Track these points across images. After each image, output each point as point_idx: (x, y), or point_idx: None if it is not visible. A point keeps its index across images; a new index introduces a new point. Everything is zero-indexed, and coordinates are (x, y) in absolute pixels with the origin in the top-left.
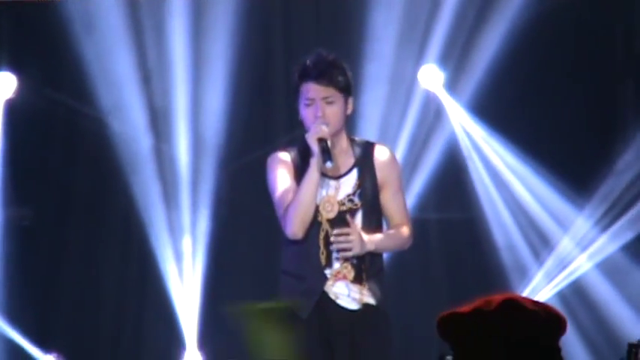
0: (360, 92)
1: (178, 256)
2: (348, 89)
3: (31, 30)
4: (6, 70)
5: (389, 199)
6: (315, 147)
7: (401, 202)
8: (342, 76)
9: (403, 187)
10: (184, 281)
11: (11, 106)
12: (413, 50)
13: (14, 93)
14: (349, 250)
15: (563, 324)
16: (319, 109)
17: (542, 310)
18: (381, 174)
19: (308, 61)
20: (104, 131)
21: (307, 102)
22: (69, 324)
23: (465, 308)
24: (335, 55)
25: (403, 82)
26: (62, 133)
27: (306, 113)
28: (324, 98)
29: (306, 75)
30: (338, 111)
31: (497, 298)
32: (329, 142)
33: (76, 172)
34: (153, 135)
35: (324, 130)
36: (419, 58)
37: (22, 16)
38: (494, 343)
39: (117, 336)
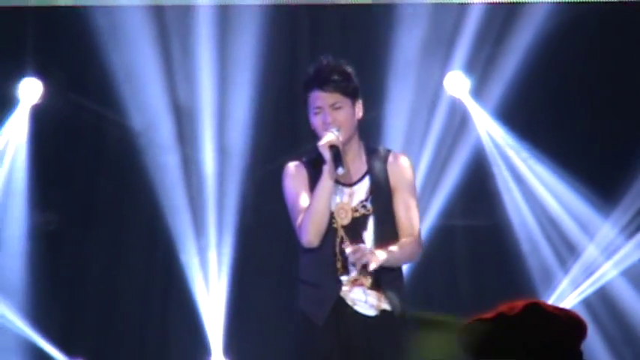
0: (386, 99)
1: (204, 262)
2: (355, 93)
3: (57, 36)
4: (32, 75)
5: (398, 205)
6: (326, 154)
7: (411, 209)
8: (347, 81)
9: (416, 195)
10: (210, 287)
11: (37, 112)
12: (439, 57)
13: (40, 99)
14: (369, 263)
15: (584, 328)
16: (328, 116)
17: (563, 314)
18: (393, 179)
19: (311, 70)
20: (129, 137)
21: (316, 110)
22: (94, 329)
23: (488, 314)
24: (339, 60)
25: (429, 89)
26: (87, 139)
27: (316, 122)
28: (332, 105)
29: (311, 84)
30: (347, 115)
31: (519, 303)
32: (340, 149)
33: (101, 177)
34: (178, 141)
35: (335, 137)
36: (445, 65)
37: (47, 22)
38: (516, 347)
39: (142, 342)
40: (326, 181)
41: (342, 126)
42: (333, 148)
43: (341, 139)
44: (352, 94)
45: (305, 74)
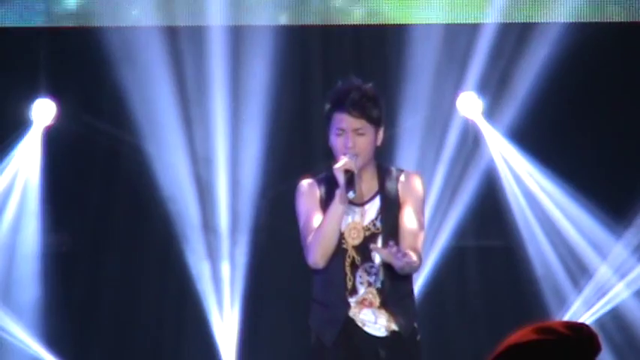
0: (399, 119)
1: (217, 283)
2: (380, 121)
3: (71, 57)
4: (45, 96)
5: (402, 218)
6: (340, 178)
7: (414, 223)
8: (375, 109)
9: (423, 211)
10: (223, 308)
11: (50, 133)
12: (452, 78)
13: (53, 120)
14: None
15: (596, 342)
16: (349, 140)
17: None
18: (403, 196)
19: (341, 90)
20: (143, 158)
21: (338, 132)
22: (107, 349)
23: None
24: (368, 85)
25: (442, 110)
26: (101, 160)
27: (336, 143)
28: (355, 130)
29: (339, 105)
30: (368, 143)
31: (527, 329)
32: (355, 174)
33: (114, 198)
34: (191, 161)
35: (351, 163)
36: (457, 86)
37: (61, 43)
38: None
39: None
40: (337, 205)
41: (361, 153)
42: (347, 172)
43: (358, 164)
44: (377, 122)
45: (333, 92)
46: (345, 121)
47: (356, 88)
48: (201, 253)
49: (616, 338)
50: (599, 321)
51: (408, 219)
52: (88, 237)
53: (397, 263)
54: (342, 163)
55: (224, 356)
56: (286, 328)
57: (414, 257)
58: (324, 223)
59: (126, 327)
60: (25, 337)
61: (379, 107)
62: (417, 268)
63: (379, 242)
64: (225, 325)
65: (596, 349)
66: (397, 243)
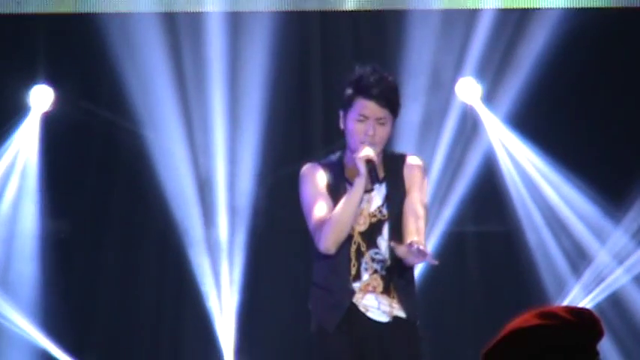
0: None
1: (215, 269)
2: (398, 112)
3: (68, 43)
4: (43, 83)
5: (407, 208)
6: (362, 167)
7: (420, 214)
8: (398, 100)
9: (426, 198)
10: (222, 294)
11: (48, 119)
12: (450, 63)
13: (51, 106)
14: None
15: (598, 327)
16: (371, 128)
17: (574, 317)
18: (408, 182)
19: (369, 78)
20: (141, 144)
21: (360, 118)
22: (106, 337)
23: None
24: (392, 76)
25: (441, 95)
26: (99, 146)
27: (356, 128)
28: (378, 119)
29: (366, 92)
30: (387, 132)
31: (529, 314)
32: (376, 165)
33: (112, 185)
34: (189, 148)
35: (374, 153)
36: (456, 71)
37: (58, 28)
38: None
39: (154, 349)
40: (356, 194)
41: (379, 142)
42: (369, 162)
43: (375, 154)
44: (397, 114)
45: (358, 78)
46: (368, 108)
47: (383, 78)
48: (200, 239)
49: (615, 323)
50: (598, 306)
51: (414, 207)
52: (87, 224)
53: (415, 262)
54: (364, 152)
55: (223, 341)
56: (286, 314)
57: (430, 253)
58: (341, 211)
59: (124, 314)
60: (24, 324)
61: (400, 98)
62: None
63: (385, 229)
64: (224, 309)
65: (599, 333)
66: (401, 229)
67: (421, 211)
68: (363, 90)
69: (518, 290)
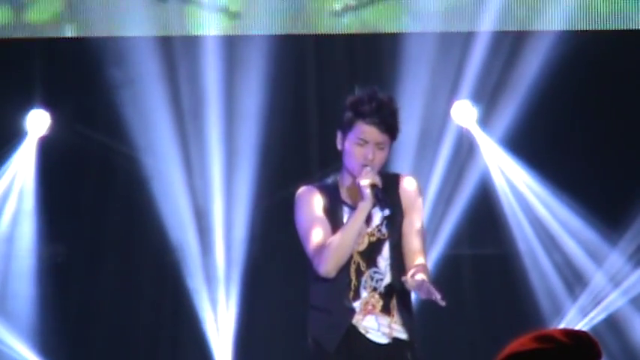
0: None
1: (212, 294)
2: (397, 137)
3: (64, 67)
4: (39, 107)
5: (410, 229)
6: (366, 192)
7: (420, 234)
8: (398, 125)
9: (423, 220)
10: (218, 316)
11: (44, 144)
12: (446, 86)
13: (47, 130)
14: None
15: (596, 350)
16: (371, 153)
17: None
18: (405, 203)
19: (371, 103)
20: (137, 168)
21: (360, 142)
22: (103, 359)
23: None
24: (394, 100)
25: (436, 118)
26: (95, 170)
27: (355, 152)
28: (378, 143)
29: (367, 116)
30: (384, 157)
31: (527, 338)
32: (380, 189)
33: (109, 209)
34: (186, 171)
35: (377, 177)
36: (452, 94)
37: (55, 53)
38: None
39: None
40: (359, 219)
41: (377, 166)
42: (374, 187)
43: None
44: (395, 138)
45: (360, 101)
46: (369, 133)
47: (386, 102)
48: (197, 263)
49: (611, 346)
50: (595, 329)
51: (414, 232)
52: (83, 247)
53: (423, 297)
54: (367, 177)
55: None
56: (281, 335)
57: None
58: (343, 236)
59: (121, 336)
60: (21, 348)
61: (399, 123)
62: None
63: (386, 248)
64: (221, 333)
65: (597, 356)
66: (402, 249)
67: (420, 232)
68: (364, 114)
69: (515, 313)
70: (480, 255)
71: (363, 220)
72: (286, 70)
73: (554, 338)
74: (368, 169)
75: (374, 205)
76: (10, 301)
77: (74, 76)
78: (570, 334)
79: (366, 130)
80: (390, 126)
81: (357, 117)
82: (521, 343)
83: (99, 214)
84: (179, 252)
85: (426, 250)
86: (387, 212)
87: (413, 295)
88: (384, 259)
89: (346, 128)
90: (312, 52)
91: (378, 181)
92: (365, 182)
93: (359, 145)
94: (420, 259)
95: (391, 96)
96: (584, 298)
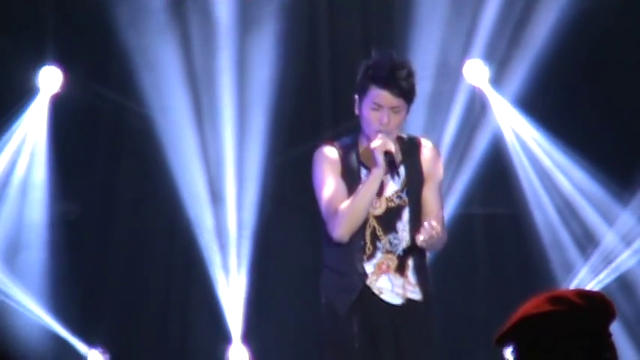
0: None
1: (224, 250)
2: (413, 100)
3: (78, 24)
4: (52, 64)
5: (429, 194)
6: (380, 158)
7: (439, 200)
8: (413, 88)
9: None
10: (230, 275)
11: (57, 101)
12: (458, 45)
13: (60, 88)
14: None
15: (610, 310)
16: (386, 116)
17: (585, 301)
18: (426, 168)
19: (384, 67)
20: (150, 127)
21: (374, 106)
22: (114, 319)
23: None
24: (408, 63)
25: (449, 77)
26: (108, 128)
27: (370, 116)
28: (392, 107)
29: (380, 81)
30: (401, 120)
31: (539, 299)
32: (394, 156)
33: (121, 167)
34: (198, 129)
35: (391, 143)
36: (464, 53)
37: (68, 10)
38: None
39: (162, 330)
40: (373, 184)
41: (394, 130)
42: (388, 154)
43: (393, 145)
44: (411, 101)
45: (374, 66)
46: (383, 97)
47: (400, 66)
48: (209, 220)
49: (622, 306)
50: (606, 288)
51: (433, 197)
52: (96, 205)
53: (425, 237)
54: (381, 143)
55: (230, 321)
56: (293, 295)
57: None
58: (357, 200)
59: (133, 293)
60: (33, 306)
61: (415, 87)
62: (443, 243)
63: (405, 214)
64: (232, 290)
65: (611, 316)
66: (421, 215)
67: (439, 197)
68: (378, 79)
69: (526, 273)
70: (491, 214)
71: (376, 187)
72: (298, 29)
73: (568, 300)
74: (381, 135)
75: (385, 173)
76: (22, 258)
77: (87, 33)
78: (584, 295)
79: (380, 95)
80: (403, 90)
81: (371, 82)
82: (534, 305)
83: (111, 172)
84: (191, 208)
85: (443, 218)
86: (396, 180)
87: (428, 255)
88: (402, 224)
89: (361, 93)
90: (325, 10)
91: (391, 147)
92: (378, 148)
93: (374, 110)
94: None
95: (406, 60)
96: (595, 258)
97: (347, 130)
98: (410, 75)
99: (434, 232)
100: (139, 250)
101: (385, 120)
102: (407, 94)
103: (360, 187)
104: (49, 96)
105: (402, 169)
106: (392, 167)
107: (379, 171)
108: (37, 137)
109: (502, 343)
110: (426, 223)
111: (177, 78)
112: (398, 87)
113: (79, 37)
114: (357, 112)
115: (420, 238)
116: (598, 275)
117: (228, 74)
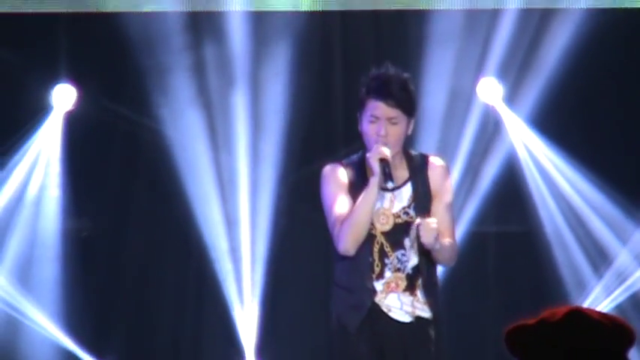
0: (419, 106)
1: (237, 267)
2: (413, 111)
3: (91, 42)
4: (66, 82)
5: (439, 211)
6: (375, 166)
7: (450, 216)
8: (410, 99)
9: (452, 201)
10: (243, 292)
11: (71, 118)
12: (472, 63)
13: (74, 105)
14: (431, 234)
15: (631, 335)
16: (382, 129)
17: (608, 321)
18: (434, 185)
19: (378, 78)
20: (163, 143)
21: (372, 119)
22: (127, 335)
23: (531, 320)
24: (405, 75)
25: (462, 96)
26: (121, 145)
27: (369, 129)
28: (389, 119)
29: (375, 92)
30: (400, 132)
31: (562, 309)
32: (390, 163)
33: (134, 183)
34: (211, 146)
35: (386, 152)
36: (478, 72)
37: (81, 27)
38: (559, 353)
39: (175, 345)
40: (371, 193)
41: (393, 142)
42: (382, 161)
43: (389, 153)
44: (411, 113)
45: (370, 78)
46: (379, 109)
47: (394, 77)
48: (222, 238)
49: (636, 325)
50: (619, 307)
51: (443, 213)
52: (109, 222)
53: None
54: (377, 151)
55: (243, 338)
56: (306, 312)
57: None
58: (357, 211)
59: (146, 310)
60: (46, 322)
61: (414, 98)
62: (454, 257)
63: (413, 231)
64: (246, 307)
65: (630, 341)
66: None
67: (449, 213)
68: (374, 91)
69: (539, 291)
70: (505, 233)
71: (374, 195)
72: (312, 47)
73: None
74: (377, 145)
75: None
76: (35, 275)
77: (101, 50)
78: (607, 316)
79: (376, 106)
80: (399, 100)
81: (367, 94)
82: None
83: (124, 189)
84: (204, 226)
85: (454, 230)
86: (390, 185)
87: (440, 270)
88: (410, 241)
89: (361, 108)
90: (339, 28)
91: (387, 155)
92: (373, 156)
93: (372, 123)
94: (447, 240)
95: (401, 71)
96: (608, 276)
97: (358, 150)
98: (405, 85)
99: (432, 226)
100: (152, 267)
101: (382, 132)
102: (403, 105)
103: (360, 197)
104: (63, 113)
105: (408, 185)
106: (385, 172)
107: (375, 179)
108: (51, 154)
109: (513, 339)
110: (418, 219)
111: (190, 95)
112: (393, 97)
113: (93, 55)
114: (359, 128)
115: (422, 233)
116: (611, 294)
117: (242, 91)
